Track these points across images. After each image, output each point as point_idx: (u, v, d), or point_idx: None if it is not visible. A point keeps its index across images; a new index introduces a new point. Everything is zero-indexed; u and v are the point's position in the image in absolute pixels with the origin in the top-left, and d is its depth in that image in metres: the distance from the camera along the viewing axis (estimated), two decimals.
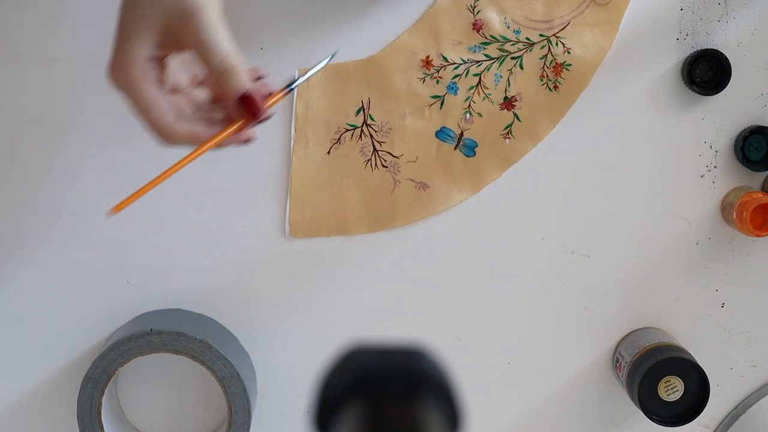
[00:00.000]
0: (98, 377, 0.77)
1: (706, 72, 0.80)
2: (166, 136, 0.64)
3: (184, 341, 0.77)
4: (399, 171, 0.80)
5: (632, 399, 0.80)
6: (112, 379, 0.77)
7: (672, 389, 0.79)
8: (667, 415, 0.79)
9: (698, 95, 0.80)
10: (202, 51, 0.63)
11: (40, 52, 0.78)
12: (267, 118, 0.65)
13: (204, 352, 0.77)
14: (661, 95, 0.81)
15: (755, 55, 0.81)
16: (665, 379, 0.79)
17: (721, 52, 0.79)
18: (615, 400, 0.85)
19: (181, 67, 0.67)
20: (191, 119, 0.65)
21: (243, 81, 0.64)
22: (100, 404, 0.77)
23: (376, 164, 0.80)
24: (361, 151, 0.80)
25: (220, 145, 0.65)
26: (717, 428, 0.85)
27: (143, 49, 0.64)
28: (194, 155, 0.64)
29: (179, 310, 0.82)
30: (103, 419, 0.78)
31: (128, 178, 0.80)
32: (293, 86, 0.69)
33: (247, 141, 0.67)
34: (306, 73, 0.70)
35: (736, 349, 0.84)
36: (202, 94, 0.68)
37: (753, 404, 0.84)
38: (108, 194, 0.80)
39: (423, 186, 0.81)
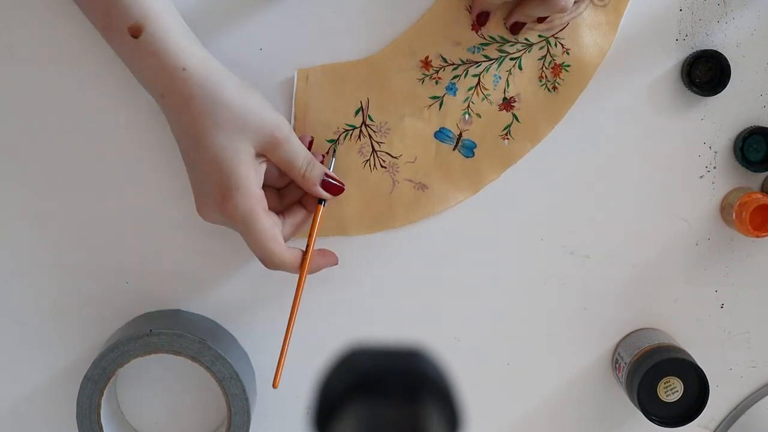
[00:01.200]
0: (98, 378, 0.77)
1: (706, 73, 0.80)
2: (276, 264, 0.73)
3: (183, 342, 0.77)
4: (398, 171, 0.80)
5: (632, 400, 0.80)
6: (111, 380, 0.77)
7: (671, 390, 0.79)
8: (666, 416, 0.79)
9: (697, 96, 0.80)
10: (291, 160, 0.73)
11: (40, 52, 0.78)
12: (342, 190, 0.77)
13: (203, 352, 0.77)
14: (660, 96, 0.81)
15: (754, 55, 0.80)
16: (665, 379, 0.79)
17: (720, 53, 0.79)
18: (614, 401, 0.85)
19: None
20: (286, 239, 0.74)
21: (322, 168, 0.75)
22: (99, 405, 0.77)
23: (374, 165, 0.80)
24: (359, 151, 0.80)
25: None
26: (716, 429, 0.85)
27: (257, 180, 0.71)
28: (300, 288, 0.76)
29: (178, 310, 0.82)
30: (102, 420, 0.78)
31: (128, 177, 0.80)
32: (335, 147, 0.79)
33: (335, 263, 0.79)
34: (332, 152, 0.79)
35: (735, 350, 0.84)
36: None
37: (752, 405, 0.84)
38: (108, 194, 0.80)
39: (422, 187, 0.81)
